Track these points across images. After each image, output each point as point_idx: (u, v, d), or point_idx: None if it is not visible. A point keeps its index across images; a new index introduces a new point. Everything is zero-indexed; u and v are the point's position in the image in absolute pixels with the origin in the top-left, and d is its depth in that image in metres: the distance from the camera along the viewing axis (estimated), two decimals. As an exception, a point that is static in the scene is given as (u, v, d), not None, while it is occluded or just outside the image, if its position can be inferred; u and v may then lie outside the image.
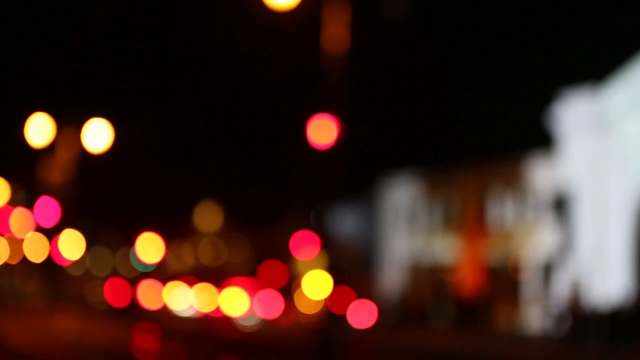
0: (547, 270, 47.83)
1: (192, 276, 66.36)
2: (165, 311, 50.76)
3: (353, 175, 69.85)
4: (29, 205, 53.91)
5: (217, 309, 42.78)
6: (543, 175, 47.94)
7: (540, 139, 48.86)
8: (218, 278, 67.86)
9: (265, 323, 42.34)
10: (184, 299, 49.85)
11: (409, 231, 58.35)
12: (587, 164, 43.26)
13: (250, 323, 41.82)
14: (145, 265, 78.83)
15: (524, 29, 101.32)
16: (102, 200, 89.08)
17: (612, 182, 42.33)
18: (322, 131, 26.41)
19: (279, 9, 23.94)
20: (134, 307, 42.82)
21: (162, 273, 69.24)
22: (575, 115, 43.01)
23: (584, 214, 43.35)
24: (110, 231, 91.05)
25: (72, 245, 47.24)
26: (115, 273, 78.79)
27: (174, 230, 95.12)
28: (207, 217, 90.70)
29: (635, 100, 41.06)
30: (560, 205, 44.14)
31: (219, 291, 43.68)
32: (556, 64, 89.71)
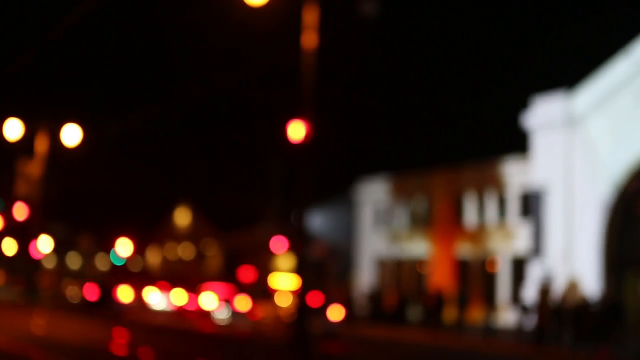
0: (519, 266, 48.55)
1: (167, 281, 66.48)
2: (139, 304, 50.91)
3: (332, 179, 70.77)
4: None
5: (191, 303, 43.02)
6: (517, 175, 48.72)
7: (515, 142, 50.22)
8: (193, 283, 68.06)
9: (239, 316, 42.75)
10: (160, 302, 50.03)
11: (385, 231, 58.99)
12: (557, 162, 44.20)
13: (223, 316, 42.17)
14: (121, 258, 79.12)
15: (500, 38, 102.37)
16: (77, 205, 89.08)
17: (581, 178, 43.21)
18: (297, 130, 26.82)
19: (253, 5, 24.41)
20: (109, 300, 42.91)
21: (140, 275, 69.26)
22: (547, 116, 44.55)
23: (555, 210, 44.18)
24: (86, 235, 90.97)
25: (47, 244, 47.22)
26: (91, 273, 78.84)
27: (151, 234, 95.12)
28: (183, 221, 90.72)
29: (599, 101, 42.29)
30: (532, 202, 44.89)
31: (194, 297, 43.90)
32: (529, 72, 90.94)
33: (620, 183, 41.14)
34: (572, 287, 42.88)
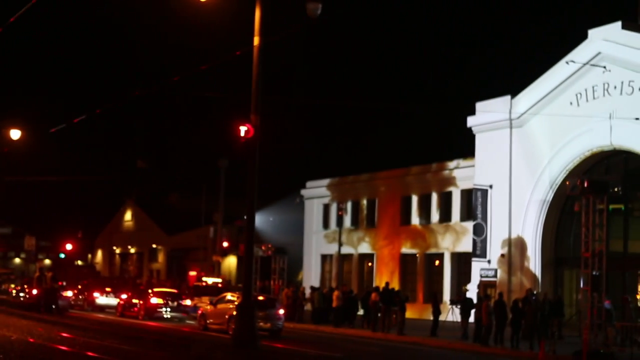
0: (463, 264, 49.46)
1: (114, 279, 66.18)
2: (86, 302, 50.62)
3: (283, 180, 71.21)
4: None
5: (137, 301, 42.96)
6: (461, 177, 49.65)
7: (460, 145, 51.47)
8: (139, 281, 67.79)
9: (185, 314, 42.88)
10: (106, 300, 49.82)
11: (332, 230, 59.59)
12: (500, 163, 45.27)
13: (170, 314, 42.24)
14: (66, 257, 78.54)
15: (445, 44, 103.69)
16: (23, 204, 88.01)
17: (523, 178, 44.28)
18: (244, 130, 27.11)
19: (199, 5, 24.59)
20: (54, 298, 42.57)
21: (87, 274, 68.66)
22: (490, 120, 45.82)
23: (498, 209, 45.16)
24: (30, 234, 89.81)
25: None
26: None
27: (99, 233, 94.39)
28: (130, 221, 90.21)
29: (539, 105, 43.65)
30: (476, 202, 45.84)
31: (141, 295, 43.84)
32: (474, 78, 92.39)
33: (558, 183, 42.27)
34: (514, 284, 43.86)
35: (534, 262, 43.47)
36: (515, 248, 44.27)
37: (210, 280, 51.86)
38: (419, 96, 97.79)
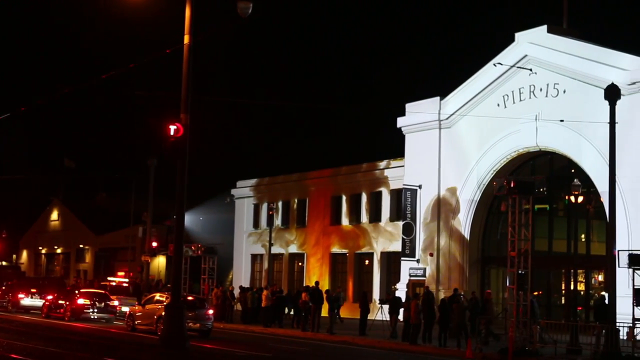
0: (392, 263, 49.84)
1: (40, 280, 64.89)
2: (10, 303, 49.55)
3: (214, 181, 70.87)
4: None
5: (64, 302, 42.21)
6: (391, 177, 49.99)
7: (390, 146, 51.91)
8: (66, 282, 66.64)
9: (113, 315, 42.30)
10: (31, 301, 48.85)
11: (263, 230, 59.46)
12: (429, 163, 45.78)
13: (97, 315, 41.63)
14: None
15: (375, 46, 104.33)
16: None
17: (451, 178, 44.85)
18: (173, 128, 26.86)
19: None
20: None
21: (12, 274, 67.17)
22: (420, 121, 46.40)
23: (427, 209, 45.65)
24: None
25: None
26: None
27: (24, 233, 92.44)
28: (56, 221, 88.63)
29: (467, 106, 44.35)
30: (405, 202, 46.24)
31: (68, 296, 43.05)
32: (404, 78, 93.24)
33: (486, 183, 42.92)
34: (442, 283, 44.39)
35: (462, 261, 44.09)
36: (444, 247, 44.82)
37: (149, 280, 51.44)
38: (350, 96, 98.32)
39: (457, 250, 44.23)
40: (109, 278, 53.66)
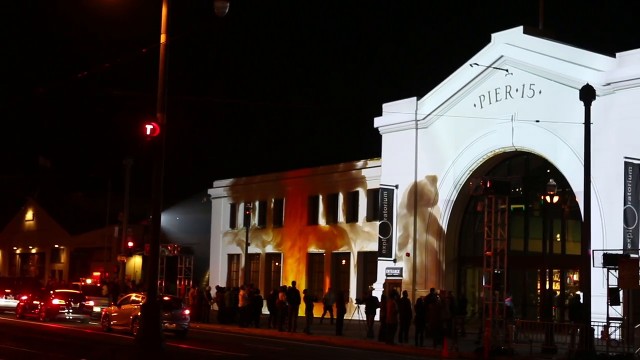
0: (369, 263, 49.89)
1: (15, 280, 64.39)
2: None
3: (191, 181, 70.63)
4: None
5: (39, 302, 41.90)
6: (368, 177, 50.02)
7: (367, 146, 51.98)
8: (41, 282, 66.17)
9: (88, 315, 42.05)
10: (5, 301, 48.53)
11: (239, 229, 59.35)
12: (406, 163, 45.85)
13: (72, 315, 41.38)
14: None
15: (351, 48, 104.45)
16: None
17: (428, 178, 44.94)
18: (150, 128, 26.75)
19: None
20: None
21: None
22: (396, 121, 46.41)
23: (404, 209, 45.73)
24: None
25: None
26: None
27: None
28: (31, 221, 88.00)
29: (444, 106, 44.43)
30: (382, 202, 46.31)
31: (43, 297, 42.73)
32: (381, 79, 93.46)
33: (462, 183, 43.07)
34: (418, 283, 44.48)
35: (439, 261, 44.20)
36: (421, 247, 44.92)
37: (126, 280, 51.19)
38: (327, 96, 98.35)
39: (434, 250, 44.35)
40: (80, 278, 53.32)
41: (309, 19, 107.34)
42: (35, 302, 42.64)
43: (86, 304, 42.56)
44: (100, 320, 37.10)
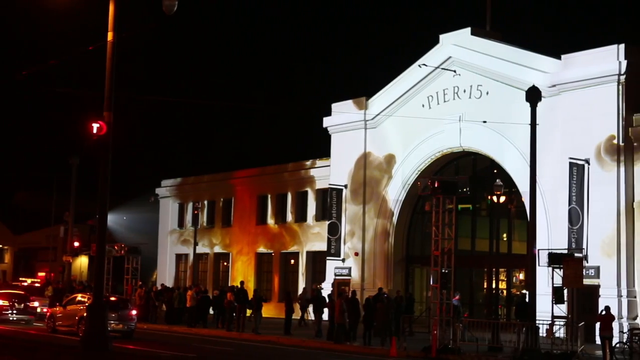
0: (317, 263, 49.94)
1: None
2: None
3: (138, 180, 69.96)
4: None
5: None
6: (317, 177, 50.07)
7: (316, 146, 52.04)
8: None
9: (32, 316, 41.40)
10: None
11: (187, 229, 58.98)
12: (355, 163, 45.97)
13: (16, 317, 40.72)
14: None
15: (302, 47, 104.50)
16: None
17: (377, 178, 45.13)
18: (96, 126, 26.42)
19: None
20: None
21: None
22: (345, 121, 46.62)
23: (353, 209, 45.87)
24: None
25: None
26: None
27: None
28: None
29: (392, 106, 44.69)
30: (330, 202, 46.40)
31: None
32: (330, 80, 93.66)
33: (410, 183, 43.32)
34: (367, 282, 44.65)
35: (387, 260, 44.40)
36: (369, 247, 45.08)
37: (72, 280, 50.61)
38: (277, 96, 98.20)
39: (383, 249, 44.54)
40: (20, 279, 52.48)
41: (259, 19, 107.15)
42: None
43: (30, 305, 41.88)
44: (45, 321, 36.56)
